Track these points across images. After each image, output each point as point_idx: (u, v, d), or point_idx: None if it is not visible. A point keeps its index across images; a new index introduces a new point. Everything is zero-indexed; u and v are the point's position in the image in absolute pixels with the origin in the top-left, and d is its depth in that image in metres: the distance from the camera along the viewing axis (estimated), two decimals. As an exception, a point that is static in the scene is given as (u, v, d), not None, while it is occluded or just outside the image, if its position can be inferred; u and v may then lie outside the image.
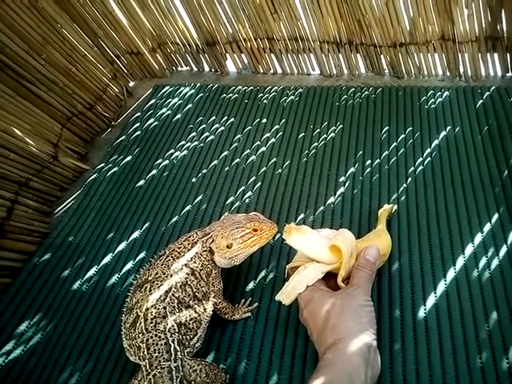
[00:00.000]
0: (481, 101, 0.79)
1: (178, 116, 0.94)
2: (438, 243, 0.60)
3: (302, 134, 0.83)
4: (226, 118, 0.90)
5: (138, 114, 0.98)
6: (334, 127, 0.82)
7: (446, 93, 0.83)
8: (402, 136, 0.77)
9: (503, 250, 0.57)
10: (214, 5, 0.90)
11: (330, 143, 0.79)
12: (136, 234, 0.71)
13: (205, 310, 0.53)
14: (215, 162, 0.81)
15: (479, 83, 0.84)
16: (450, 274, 0.56)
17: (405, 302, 0.54)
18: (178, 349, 0.48)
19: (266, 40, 0.95)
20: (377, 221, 0.62)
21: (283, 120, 0.87)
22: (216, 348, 0.55)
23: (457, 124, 0.76)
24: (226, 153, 0.83)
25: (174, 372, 0.46)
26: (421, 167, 0.70)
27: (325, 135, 0.81)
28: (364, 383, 0.41)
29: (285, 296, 0.51)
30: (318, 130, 0.83)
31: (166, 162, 0.84)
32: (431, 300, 0.54)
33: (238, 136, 0.86)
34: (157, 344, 0.47)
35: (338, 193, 0.70)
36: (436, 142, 0.74)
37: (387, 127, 0.79)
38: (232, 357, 0.54)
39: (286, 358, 0.52)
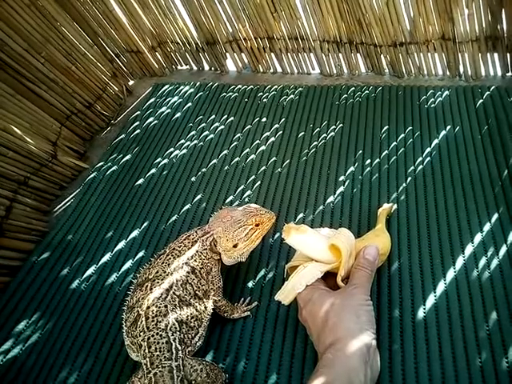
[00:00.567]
0: (481, 100, 0.79)
1: (178, 115, 0.94)
2: (437, 243, 0.59)
3: (302, 133, 0.83)
4: (225, 116, 0.90)
5: (138, 112, 0.97)
6: (333, 126, 0.82)
7: (446, 92, 0.83)
8: (402, 135, 0.76)
9: (503, 249, 0.57)
10: (214, 4, 0.90)
11: (329, 142, 0.79)
12: (135, 233, 0.71)
13: (206, 308, 0.53)
14: (215, 160, 0.81)
15: (479, 83, 0.84)
16: (450, 273, 0.56)
17: (404, 301, 0.54)
18: (180, 348, 0.48)
19: (266, 39, 0.95)
20: (376, 220, 0.62)
21: (283, 119, 0.86)
22: (215, 347, 0.55)
23: (457, 124, 0.76)
24: (225, 152, 0.82)
25: (174, 371, 0.46)
26: (420, 167, 0.70)
27: (324, 134, 0.81)
28: (363, 383, 0.41)
29: (284, 296, 0.51)
30: (318, 129, 0.82)
31: (166, 160, 0.84)
32: (431, 300, 0.54)
33: (238, 135, 0.85)
34: (158, 342, 0.47)
35: (337, 192, 0.70)
36: (436, 141, 0.74)
37: (387, 126, 0.79)
38: (231, 356, 0.54)
39: (285, 358, 0.52)
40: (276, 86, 0.95)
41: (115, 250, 0.69)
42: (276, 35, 0.93)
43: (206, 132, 0.88)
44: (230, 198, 0.73)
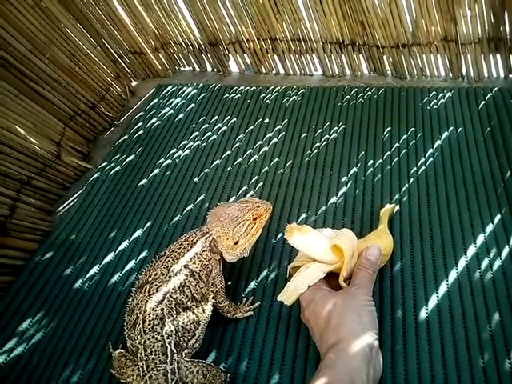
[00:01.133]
0: (483, 102, 0.79)
1: (181, 116, 0.94)
2: (440, 243, 0.59)
3: (305, 134, 0.83)
4: (228, 117, 0.91)
5: (141, 113, 0.98)
6: (336, 127, 0.82)
7: (449, 94, 0.83)
8: (404, 136, 0.77)
9: (505, 250, 0.57)
10: (216, 5, 0.90)
11: (332, 143, 0.79)
12: (138, 233, 0.71)
13: (203, 311, 0.53)
14: (217, 161, 0.81)
15: (482, 84, 0.84)
16: (452, 274, 0.56)
17: (407, 302, 0.54)
18: (175, 351, 0.48)
19: (268, 40, 0.95)
20: (378, 221, 0.62)
21: (285, 120, 0.87)
22: (217, 347, 0.55)
23: (459, 125, 0.76)
24: (228, 152, 0.83)
25: (169, 374, 0.46)
26: (423, 168, 0.70)
27: (327, 135, 0.81)
28: (366, 383, 0.41)
29: (287, 296, 0.51)
30: (321, 130, 0.83)
31: (169, 161, 0.84)
32: (433, 300, 0.54)
33: (241, 136, 0.86)
34: (153, 346, 0.47)
35: (340, 193, 0.70)
36: (438, 142, 0.74)
37: (389, 128, 0.79)
38: (233, 356, 0.54)
39: (287, 358, 0.52)
40: (278, 87, 0.95)
41: (118, 250, 0.69)
42: (278, 36, 0.93)
43: (209, 133, 0.88)
44: (233, 198, 0.74)
